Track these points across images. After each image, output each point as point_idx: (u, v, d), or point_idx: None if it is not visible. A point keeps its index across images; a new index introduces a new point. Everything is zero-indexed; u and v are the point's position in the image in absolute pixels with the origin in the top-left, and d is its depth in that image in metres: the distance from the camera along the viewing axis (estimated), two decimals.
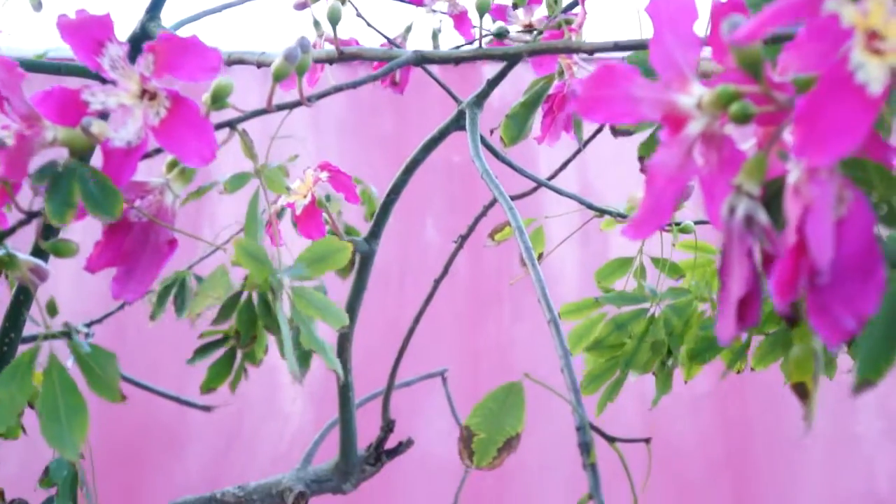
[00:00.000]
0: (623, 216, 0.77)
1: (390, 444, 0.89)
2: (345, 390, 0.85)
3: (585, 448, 0.47)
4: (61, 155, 0.51)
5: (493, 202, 0.85)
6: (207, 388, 1.15)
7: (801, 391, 0.39)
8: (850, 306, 0.32)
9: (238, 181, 0.92)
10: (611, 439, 0.49)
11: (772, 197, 0.38)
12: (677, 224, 0.77)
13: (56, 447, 0.50)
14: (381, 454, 0.87)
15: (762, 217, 0.36)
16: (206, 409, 1.26)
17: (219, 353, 1.14)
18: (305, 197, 0.75)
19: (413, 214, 2.02)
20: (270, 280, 0.53)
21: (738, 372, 0.78)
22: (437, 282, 0.87)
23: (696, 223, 0.78)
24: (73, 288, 1.77)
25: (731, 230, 0.36)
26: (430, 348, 1.72)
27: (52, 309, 0.55)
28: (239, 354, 1.13)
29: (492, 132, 0.75)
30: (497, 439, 0.51)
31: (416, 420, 1.87)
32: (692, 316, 0.74)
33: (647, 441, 0.51)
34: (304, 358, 1.15)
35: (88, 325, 1.13)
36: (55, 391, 0.51)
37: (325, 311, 0.52)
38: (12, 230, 0.52)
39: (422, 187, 2.02)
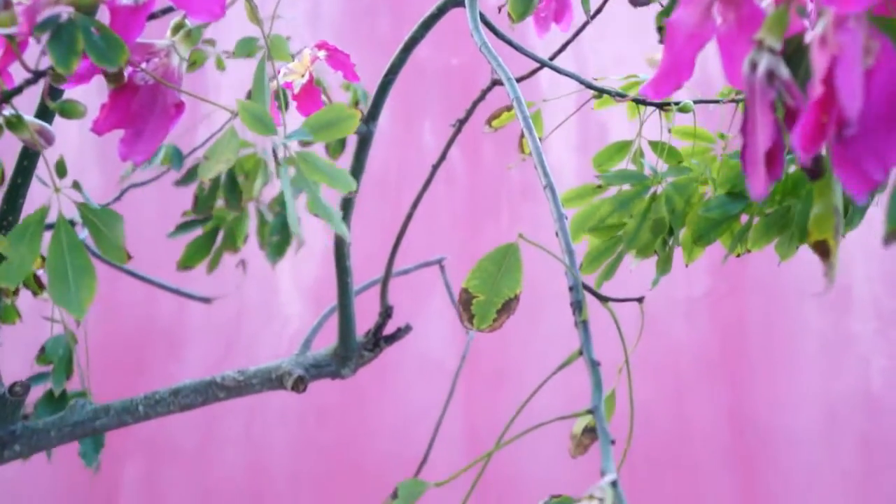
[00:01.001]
0: (622, 95, 0.76)
1: (388, 330, 0.89)
2: (343, 276, 0.85)
3: (577, 306, 0.46)
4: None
5: (491, 86, 0.84)
6: (184, 265, 1.16)
7: (822, 249, 0.39)
8: (877, 156, 0.32)
9: (245, 46, 0.90)
10: (603, 299, 0.49)
11: (791, 53, 0.37)
12: (676, 103, 0.76)
13: (63, 306, 0.50)
14: (379, 340, 0.87)
15: (784, 72, 0.36)
16: (206, 300, 1.26)
17: (198, 232, 1.14)
18: (303, 76, 0.74)
19: (411, 119, 2.00)
20: (273, 143, 0.52)
21: (738, 255, 0.78)
22: (435, 167, 0.86)
23: (696, 102, 0.77)
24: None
25: (753, 86, 0.36)
26: (428, 250, 1.73)
27: (61, 168, 0.54)
28: (219, 237, 1.13)
29: (500, 9, 0.73)
30: (496, 301, 0.51)
31: (415, 321, 1.88)
32: (694, 195, 0.74)
33: (639, 300, 0.51)
34: (280, 246, 1.15)
35: None
36: (63, 251, 0.51)
37: (332, 175, 0.51)
38: (19, 89, 0.51)
39: (419, 92, 2.00)
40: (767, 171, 0.34)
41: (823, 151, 0.33)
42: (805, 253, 2.00)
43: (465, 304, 0.51)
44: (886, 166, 0.32)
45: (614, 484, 0.41)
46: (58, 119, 0.59)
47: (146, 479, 1.90)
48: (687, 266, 0.79)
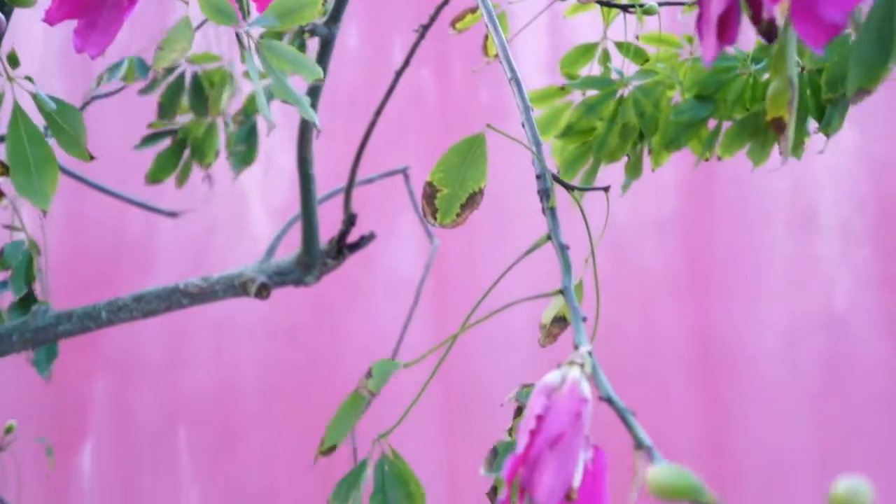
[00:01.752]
0: None
1: (352, 238, 0.88)
2: (305, 182, 0.84)
3: (545, 194, 0.46)
4: None
5: None
6: (154, 178, 1.14)
7: (778, 125, 0.39)
8: (834, 1, 0.32)
9: None
10: (569, 187, 0.48)
11: None
12: (640, 5, 0.75)
13: (27, 196, 0.49)
14: (342, 248, 0.87)
15: None
16: (173, 214, 1.25)
17: (165, 144, 1.13)
18: None
19: (380, 38, 1.98)
20: (238, 33, 0.51)
21: (706, 160, 0.77)
22: (398, 73, 0.85)
23: (661, 5, 0.76)
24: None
25: None
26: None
27: (13, 59, 0.53)
28: (186, 151, 1.12)
29: None
30: (460, 195, 0.50)
31: (384, 240, 1.88)
32: (662, 99, 0.73)
33: (605, 189, 0.51)
34: (246, 156, 1.14)
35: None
36: (23, 141, 0.50)
37: (297, 63, 0.50)
38: None
39: (389, 9, 1.97)
40: (719, 36, 0.33)
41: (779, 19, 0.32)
42: (772, 176, 2.00)
43: (429, 199, 0.51)
44: (844, 8, 0.31)
45: (590, 353, 0.42)
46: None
47: (115, 396, 1.90)
48: (654, 171, 0.79)
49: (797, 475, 1.75)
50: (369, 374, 0.46)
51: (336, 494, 0.62)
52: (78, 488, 1.86)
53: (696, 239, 1.86)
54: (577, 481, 0.44)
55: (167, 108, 1.04)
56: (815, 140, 0.75)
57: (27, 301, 0.89)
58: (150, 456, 1.88)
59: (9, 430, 0.90)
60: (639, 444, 0.41)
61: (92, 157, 0.54)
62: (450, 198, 0.51)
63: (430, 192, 0.51)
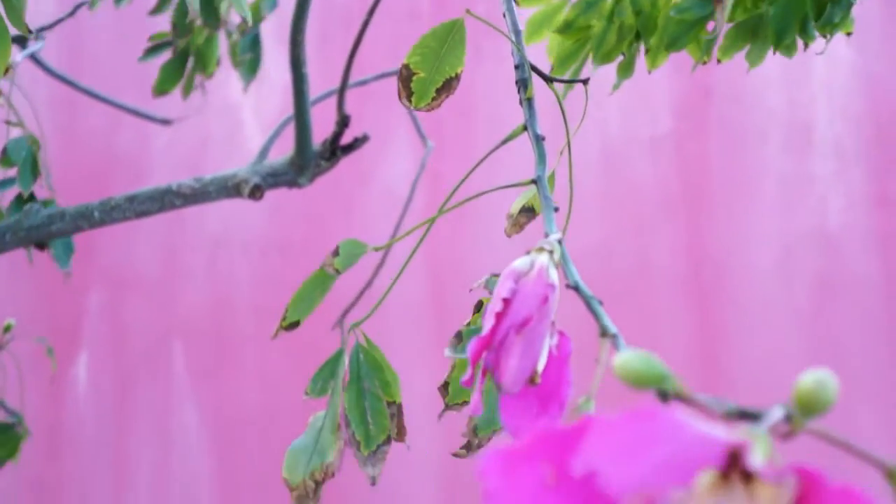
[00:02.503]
0: None
1: (346, 140, 0.88)
2: (298, 82, 0.83)
3: (523, 84, 0.46)
4: None
5: None
6: (160, 90, 1.13)
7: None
8: None
9: None
10: (548, 79, 0.48)
11: None
12: None
13: None
14: (336, 149, 0.86)
15: None
16: (166, 122, 1.24)
17: (166, 56, 1.12)
18: None
19: None
20: None
21: (704, 63, 0.77)
22: None
23: None
24: None
25: None
26: (392, 86, 1.71)
27: None
28: (190, 61, 1.11)
29: None
30: (436, 79, 0.50)
31: (381, 157, 1.87)
32: None
33: (584, 82, 0.50)
34: (252, 64, 1.13)
35: (39, 31, 1.09)
36: None
37: None
38: None
39: None
40: None
41: None
42: (767, 94, 1.98)
43: (405, 82, 0.50)
44: None
45: (560, 242, 0.42)
46: None
47: (110, 310, 1.91)
48: (650, 72, 0.78)
49: (789, 391, 1.77)
50: (336, 253, 0.46)
51: (312, 387, 0.62)
52: (73, 397, 1.88)
53: (690, 157, 1.86)
54: (541, 366, 0.44)
55: (180, 26, 1.03)
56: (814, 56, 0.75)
57: (31, 198, 0.89)
58: (144, 369, 1.90)
59: (7, 329, 0.91)
60: (604, 332, 0.41)
61: (30, 31, 0.53)
62: (426, 82, 0.51)
63: (407, 76, 0.51)
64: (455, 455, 0.65)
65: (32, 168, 0.82)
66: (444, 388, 0.65)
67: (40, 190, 0.89)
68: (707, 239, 1.83)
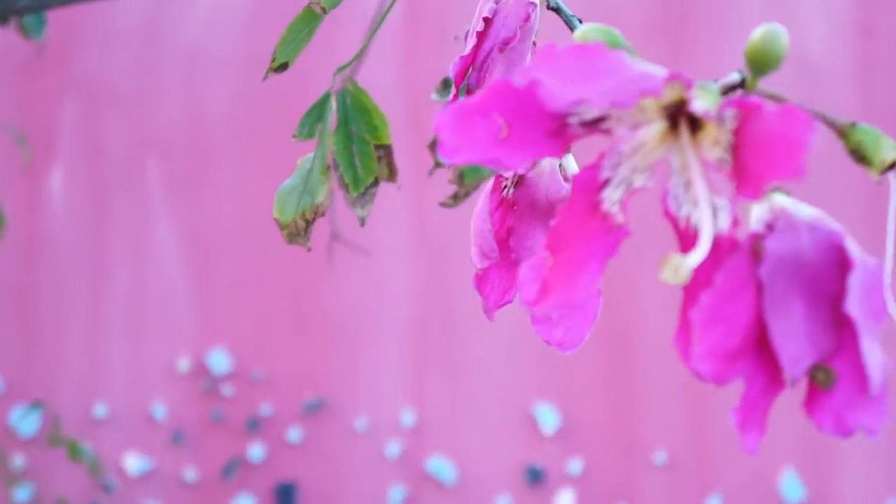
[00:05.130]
0: None
1: None
2: None
3: None
4: None
5: None
6: None
7: None
8: None
9: None
10: None
11: None
12: None
13: None
14: None
15: None
16: None
17: None
18: None
19: None
20: None
21: None
22: None
23: None
24: None
25: None
26: None
27: None
28: None
29: None
30: None
31: None
32: None
33: None
34: None
35: None
36: None
37: None
38: None
39: None
40: None
41: None
42: None
43: None
44: None
45: None
46: None
47: (85, 123, 1.89)
48: None
49: None
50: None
51: (300, 130, 0.62)
52: (49, 209, 1.88)
53: None
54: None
55: None
56: None
57: None
58: (120, 184, 1.89)
59: None
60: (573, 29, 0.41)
61: None
62: None
63: None
64: (442, 205, 0.66)
65: None
66: (433, 146, 0.65)
67: None
68: (688, 65, 1.82)
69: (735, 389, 0.32)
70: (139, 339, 1.85)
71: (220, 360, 1.82)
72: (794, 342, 0.32)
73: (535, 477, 1.80)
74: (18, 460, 1.79)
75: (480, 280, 0.44)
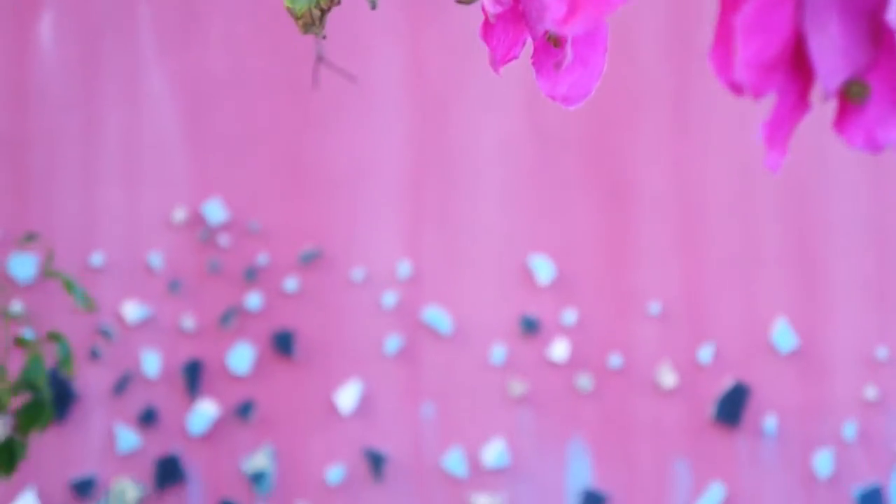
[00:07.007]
0: None
1: None
2: None
3: None
4: None
5: None
6: None
7: None
8: None
9: None
10: None
11: None
12: None
13: None
14: None
15: None
16: None
17: None
18: None
19: None
20: None
21: None
22: None
23: None
24: None
25: None
26: None
27: None
28: None
29: None
30: None
31: None
32: None
33: None
34: None
35: None
36: None
37: None
38: None
39: None
40: None
41: None
42: None
43: None
44: None
45: None
46: None
47: None
48: None
49: None
50: None
51: None
52: (38, 56, 1.85)
53: None
54: None
55: None
56: None
57: None
58: (110, 30, 1.85)
59: None
60: None
61: None
62: None
63: None
64: (458, 1, 0.64)
65: None
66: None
67: None
68: None
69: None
70: (134, 188, 1.84)
71: (216, 211, 1.82)
72: (832, 55, 0.31)
73: (530, 327, 1.82)
74: (17, 307, 1.80)
75: (488, 32, 0.43)
